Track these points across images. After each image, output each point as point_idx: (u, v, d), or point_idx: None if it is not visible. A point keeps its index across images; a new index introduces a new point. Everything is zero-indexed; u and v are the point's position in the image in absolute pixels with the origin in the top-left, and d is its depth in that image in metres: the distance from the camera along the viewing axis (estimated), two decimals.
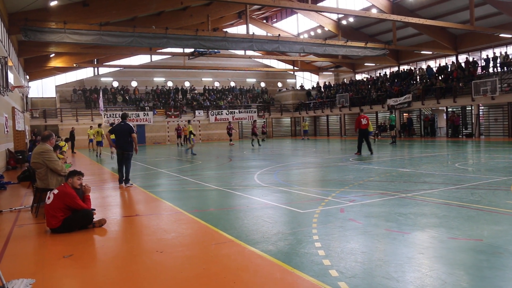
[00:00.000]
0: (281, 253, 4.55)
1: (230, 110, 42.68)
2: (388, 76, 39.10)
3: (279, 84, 52.50)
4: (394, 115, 25.44)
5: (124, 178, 10.46)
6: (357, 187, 8.79)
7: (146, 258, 4.64)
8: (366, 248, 4.62)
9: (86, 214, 5.96)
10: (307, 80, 53.39)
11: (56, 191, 5.93)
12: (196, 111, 41.44)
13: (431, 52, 34.06)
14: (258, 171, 12.54)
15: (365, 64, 42.44)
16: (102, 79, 43.35)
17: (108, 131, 11.18)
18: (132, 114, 38.18)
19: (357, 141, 17.70)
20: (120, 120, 10.82)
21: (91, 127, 30.72)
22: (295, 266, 4.14)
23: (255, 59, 48.39)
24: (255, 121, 28.79)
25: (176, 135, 32.44)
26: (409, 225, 5.53)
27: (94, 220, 6.08)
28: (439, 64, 35.62)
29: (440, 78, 32.24)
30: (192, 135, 21.75)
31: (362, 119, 17.28)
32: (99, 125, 23.75)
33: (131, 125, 10.67)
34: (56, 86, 41.21)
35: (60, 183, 6.65)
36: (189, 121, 22.70)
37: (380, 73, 42.26)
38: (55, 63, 34.52)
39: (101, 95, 31.81)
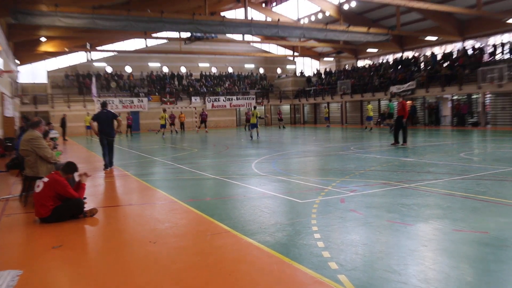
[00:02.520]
0: (279, 244, 4.52)
1: (227, 97, 42.53)
2: (391, 63, 38.93)
3: (279, 70, 52.26)
4: (393, 102, 25.26)
5: (109, 161, 11.38)
6: (358, 176, 8.77)
7: (138, 248, 4.60)
8: (367, 240, 4.59)
9: (77, 203, 5.91)
10: (307, 66, 53.15)
11: (46, 179, 5.87)
12: (192, 98, 41.27)
13: (436, 38, 33.82)
14: (256, 159, 12.52)
15: (368, 50, 42.17)
16: (95, 64, 43.08)
17: (91, 118, 11.59)
18: (126, 100, 38.03)
19: (394, 130, 16.23)
20: (102, 108, 11.55)
21: (88, 113, 30.65)
22: (293, 258, 4.11)
23: (254, 44, 48.05)
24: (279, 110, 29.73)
25: (170, 123, 32.27)
26: (412, 216, 5.49)
27: (85, 209, 6.04)
28: (445, 50, 35.43)
29: (445, 65, 32.10)
30: (258, 119, 22.85)
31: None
32: None
33: (113, 111, 11.64)
34: (48, 72, 40.89)
35: (50, 171, 6.58)
36: (255, 107, 23.33)
37: (383, 60, 42.08)
38: (46, 47, 34.21)
39: (94, 80, 31.64)
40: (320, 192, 7.16)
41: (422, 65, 35.29)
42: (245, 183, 8.50)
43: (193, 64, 47.06)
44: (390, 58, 41.37)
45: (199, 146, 18.93)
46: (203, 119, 32.37)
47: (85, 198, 6.43)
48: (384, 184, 7.81)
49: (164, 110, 31.07)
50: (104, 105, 11.69)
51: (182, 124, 34.26)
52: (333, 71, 46.60)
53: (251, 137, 22.53)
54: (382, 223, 5.21)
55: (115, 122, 11.49)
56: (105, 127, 11.30)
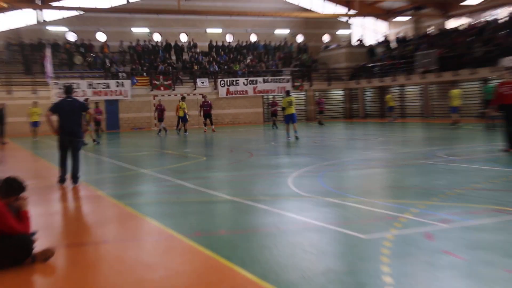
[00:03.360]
0: None
1: (250, 79, 42.67)
2: (503, 20, 38.24)
3: (326, 38, 52.17)
4: (489, 85, 24.72)
5: (72, 175, 11.45)
6: (454, 199, 8.64)
7: None
8: None
9: (21, 241, 5.87)
10: (369, 31, 52.82)
11: None
12: (198, 80, 41.58)
13: None
14: (294, 172, 12.49)
15: (464, 2, 41.61)
16: (51, 28, 43.82)
17: (48, 110, 11.76)
18: (99, 84, 38.52)
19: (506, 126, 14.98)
20: (65, 95, 11.73)
21: (35, 103, 30.89)
22: None
23: (288, 0, 48.05)
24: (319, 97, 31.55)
25: (158, 117, 32.21)
26: None
27: (35, 251, 6.01)
28: None
29: None
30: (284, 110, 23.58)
31: None
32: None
33: (82, 100, 12.00)
34: None
35: None
36: (288, 92, 23.94)
37: (489, 17, 41.38)
38: None
39: (49, 53, 31.95)
40: (393, 223, 7.06)
41: None
42: (278, 208, 8.45)
43: (199, 30, 47.41)
44: (502, 13, 40.62)
45: (208, 153, 19.03)
46: (206, 111, 32.27)
47: (33, 233, 6.40)
48: (497, 211, 7.65)
49: (183, 98, 32.77)
50: (68, 90, 11.84)
51: (182, 119, 34.63)
52: (410, 38, 46.10)
53: (289, 136, 22.64)
54: (499, 274, 5.05)
55: (84, 116, 11.71)
56: (69, 123, 11.40)
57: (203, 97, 33.50)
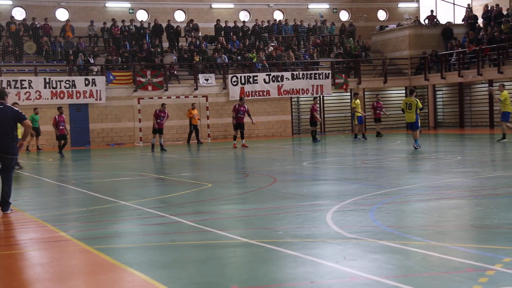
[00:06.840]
0: None
1: (273, 74, 42.59)
2: None
3: (381, 15, 52.04)
4: None
5: (1, 201, 12.08)
6: None
7: None
8: None
9: None
10: (444, 3, 52.56)
11: None
12: (200, 76, 41.62)
13: None
14: (336, 204, 12.53)
15: None
16: None
17: None
18: (61, 82, 38.50)
19: None
20: None
21: None
22: None
23: None
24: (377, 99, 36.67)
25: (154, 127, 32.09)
26: None
27: None
28: None
29: None
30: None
31: None
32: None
33: (17, 109, 12.44)
34: None
35: None
36: (411, 91, 26.15)
37: None
38: None
39: None
40: (477, 277, 7.00)
41: None
42: (313, 254, 8.44)
43: (201, 5, 47.51)
44: None
45: (215, 177, 19.14)
46: (240, 119, 32.29)
47: None
48: None
49: (356, 94, 36.73)
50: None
51: (194, 129, 34.93)
52: (506, 11, 45.55)
53: (418, 146, 24.64)
54: None
55: (19, 129, 12.19)
56: None
57: (240, 99, 33.13)
